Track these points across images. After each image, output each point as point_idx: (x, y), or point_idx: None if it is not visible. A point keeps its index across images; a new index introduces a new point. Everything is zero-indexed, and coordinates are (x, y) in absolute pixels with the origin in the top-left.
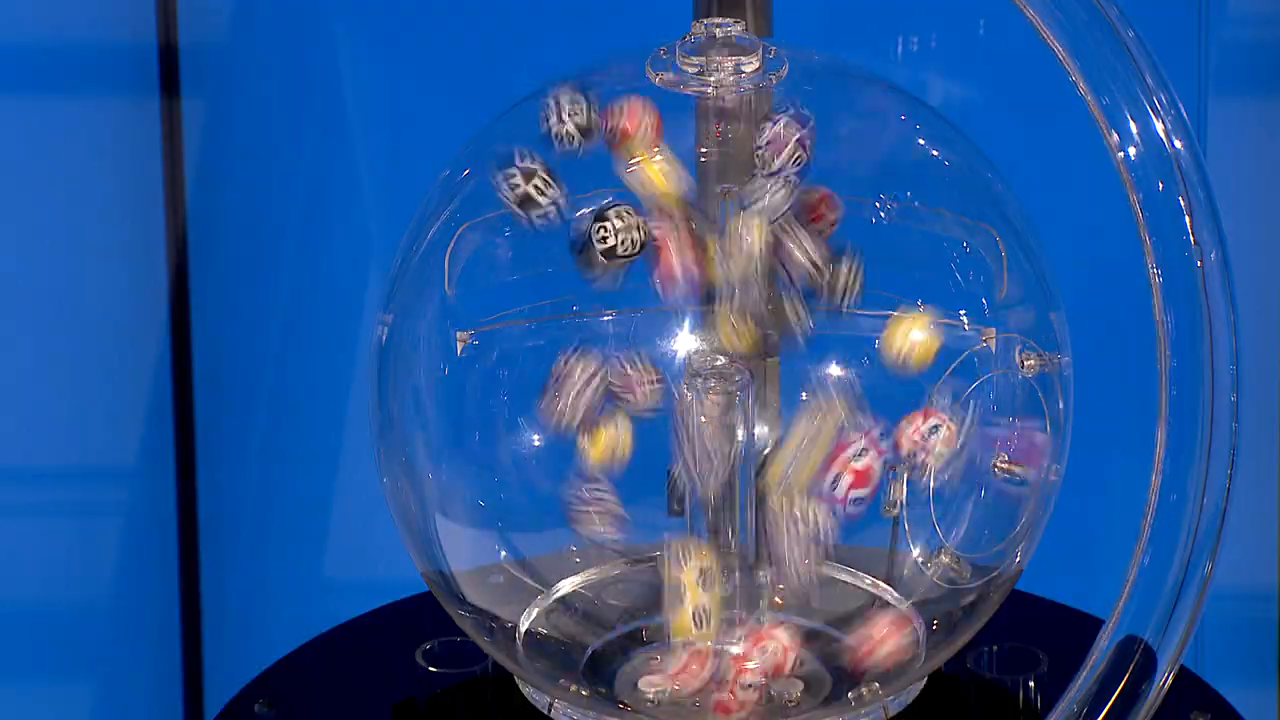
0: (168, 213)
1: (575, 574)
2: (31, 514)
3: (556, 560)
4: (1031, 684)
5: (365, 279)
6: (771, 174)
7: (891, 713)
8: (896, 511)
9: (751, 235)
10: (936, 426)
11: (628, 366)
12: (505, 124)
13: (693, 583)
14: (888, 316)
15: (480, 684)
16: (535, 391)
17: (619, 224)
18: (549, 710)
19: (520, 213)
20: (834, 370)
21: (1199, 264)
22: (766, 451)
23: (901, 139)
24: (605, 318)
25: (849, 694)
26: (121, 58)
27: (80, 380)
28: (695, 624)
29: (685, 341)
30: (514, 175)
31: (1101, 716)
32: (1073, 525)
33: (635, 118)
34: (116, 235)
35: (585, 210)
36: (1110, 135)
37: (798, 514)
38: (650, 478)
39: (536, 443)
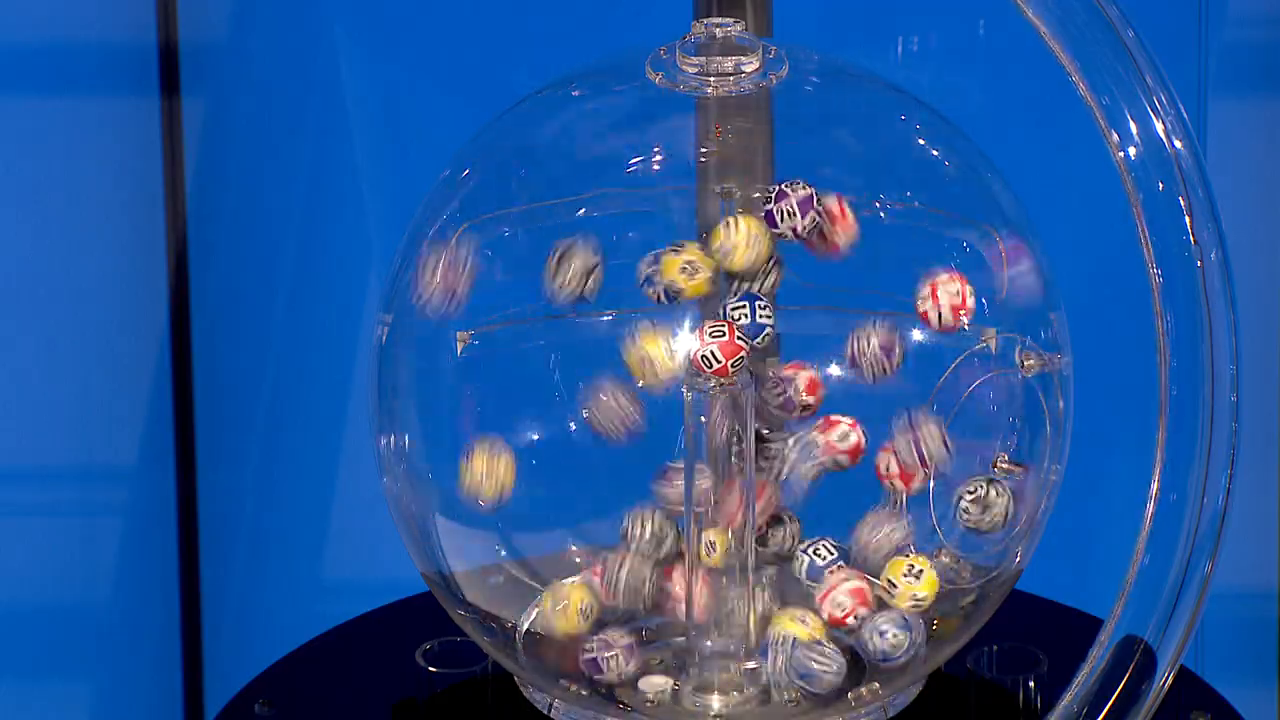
0: (168, 213)
1: (575, 574)
2: (32, 513)
3: (556, 560)
4: (1031, 684)
5: (365, 279)
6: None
7: (892, 713)
8: (897, 510)
9: None
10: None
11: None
12: (505, 123)
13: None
14: (880, 316)
15: (480, 684)
16: (534, 391)
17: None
18: (549, 710)
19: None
20: (835, 371)
21: (1199, 264)
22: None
23: (901, 139)
24: (605, 317)
25: (849, 694)
26: (121, 57)
27: (80, 380)
28: None
29: (687, 342)
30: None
31: (1102, 716)
32: (1073, 525)
33: None
34: (116, 235)
35: None
36: (1110, 135)
37: None
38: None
39: (535, 439)
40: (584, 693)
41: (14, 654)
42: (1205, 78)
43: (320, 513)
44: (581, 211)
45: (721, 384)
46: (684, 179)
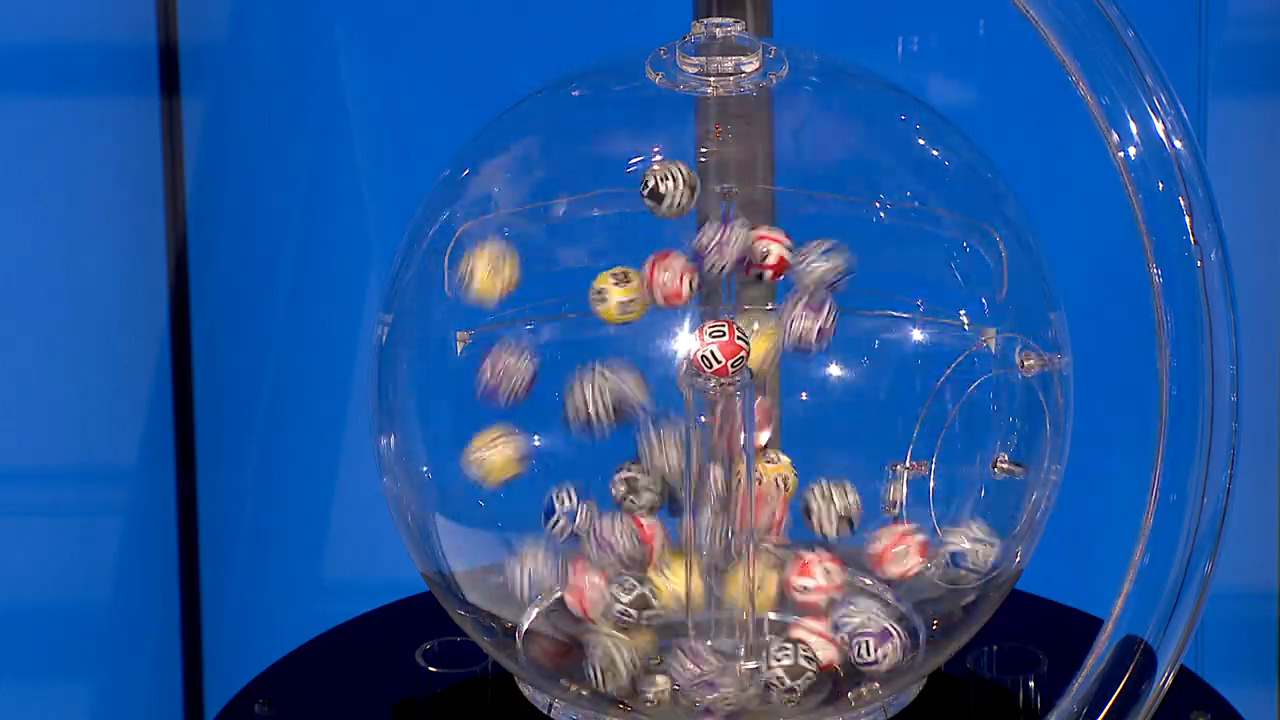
0: (168, 213)
1: None
2: (32, 513)
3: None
4: (1031, 684)
5: (365, 279)
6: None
7: (891, 713)
8: (896, 511)
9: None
10: None
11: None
12: (505, 123)
13: None
14: (887, 316)
15: (480, 684)
16: (534, 390)
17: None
18: (549, 710)
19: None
20: (834, 371)
21: (1199, 264)
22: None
23: (901, 139)
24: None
25: (849, 693)
26: (121, 57)
27: (80, 380)
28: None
29: (685, 342)
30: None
31: (1102, 716)
32: (1073, 525)
33: None
34: (116, 235)
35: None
36: (1110, 135)
37: None
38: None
39: (536, 442)
40: (584, 693)
41: (14, 654)
42: (1205, 78)
43: (320, 513)
44: (596, 210)
45: (721, 384)
46: None
